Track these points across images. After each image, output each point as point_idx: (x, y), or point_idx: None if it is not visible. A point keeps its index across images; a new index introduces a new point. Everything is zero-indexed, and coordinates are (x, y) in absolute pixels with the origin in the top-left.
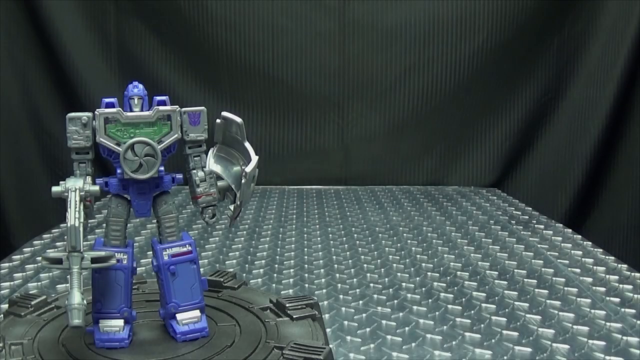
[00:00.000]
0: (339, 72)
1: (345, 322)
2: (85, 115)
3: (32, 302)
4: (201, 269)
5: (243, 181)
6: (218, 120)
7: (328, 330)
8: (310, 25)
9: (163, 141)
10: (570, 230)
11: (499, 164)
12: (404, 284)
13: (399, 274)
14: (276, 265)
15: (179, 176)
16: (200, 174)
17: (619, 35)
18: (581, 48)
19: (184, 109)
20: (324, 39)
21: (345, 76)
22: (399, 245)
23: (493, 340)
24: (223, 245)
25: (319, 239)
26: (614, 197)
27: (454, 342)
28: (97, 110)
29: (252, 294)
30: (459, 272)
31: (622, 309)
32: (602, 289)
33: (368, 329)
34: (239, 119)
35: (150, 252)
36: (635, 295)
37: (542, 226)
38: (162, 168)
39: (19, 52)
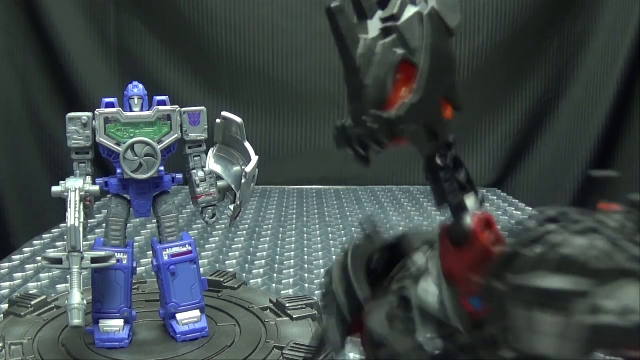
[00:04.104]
0: (339, 72)
1: None
2: (85, 115)
3: (32, 302)
4: (201, 269)
5: (243, 181)
6: (218, 120)
7: None
8: (310, 25)
9: (163, 141)
10: None
11: (499, 164)
12: None
13: None
14: (276, 265)
15: (179, 176)
16: (200, 174)
17: (619, 35)
18: (581, 48)
19: (184, 109)
20: (324, 39)
21: None
22: None
23: None
24: (223, 245)
25: (319, 239)
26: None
27: None
28: (97, 110)
29: (252, 294)
30: None
31: None
32: None
33: None
34: (239, 119)
35: (150, 252)
36: None
37: None
38: (162, 168)
39: (19, 52)
